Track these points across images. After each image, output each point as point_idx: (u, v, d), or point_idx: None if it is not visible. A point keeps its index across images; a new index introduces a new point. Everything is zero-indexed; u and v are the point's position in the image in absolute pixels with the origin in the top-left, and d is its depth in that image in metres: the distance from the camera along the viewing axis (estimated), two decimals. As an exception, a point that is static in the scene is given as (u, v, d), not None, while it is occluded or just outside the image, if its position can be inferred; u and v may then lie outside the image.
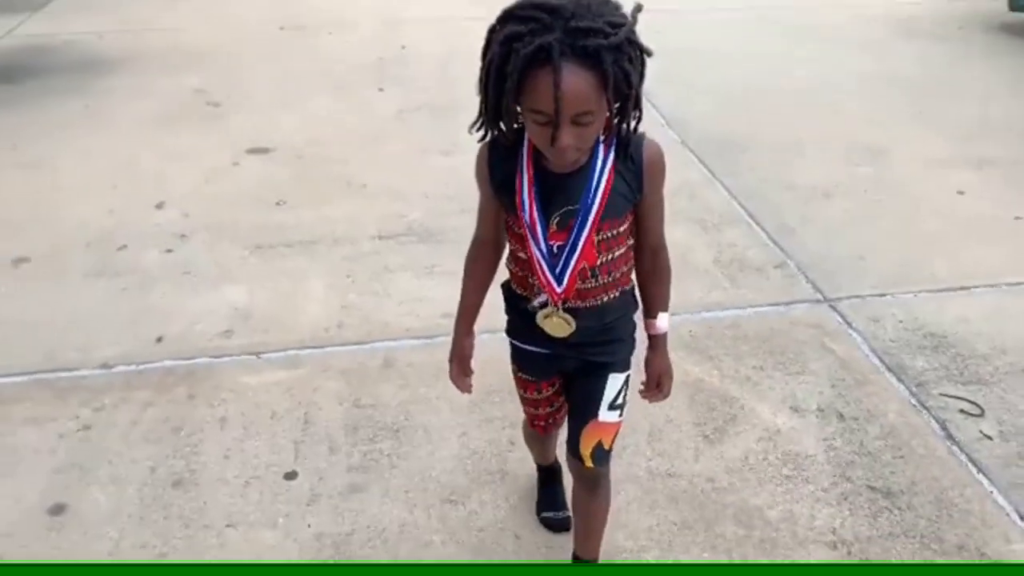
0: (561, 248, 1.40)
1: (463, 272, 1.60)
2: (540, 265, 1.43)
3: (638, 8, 1.29)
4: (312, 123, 4.37)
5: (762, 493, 2.11)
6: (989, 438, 2.28)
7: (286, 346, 2.65)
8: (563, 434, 1.70)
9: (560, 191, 1.38)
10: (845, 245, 3.22)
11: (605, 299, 1.48)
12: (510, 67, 1.20)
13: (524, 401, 1.72)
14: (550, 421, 1.75)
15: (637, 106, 1.31)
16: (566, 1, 1.20)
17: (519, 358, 1.63)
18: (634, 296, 1.57)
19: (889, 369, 2.54)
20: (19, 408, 2.39)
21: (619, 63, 1.20)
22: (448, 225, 3.29)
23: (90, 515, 2.04)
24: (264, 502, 2.08)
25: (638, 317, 1.58)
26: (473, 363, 1.65)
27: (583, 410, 1.58)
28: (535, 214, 1.39)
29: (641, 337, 1.60)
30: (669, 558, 1.92)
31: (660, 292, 1.55)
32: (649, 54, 1.27)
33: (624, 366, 1.57)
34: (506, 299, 1.59)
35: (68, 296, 2.93)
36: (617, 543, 1.95)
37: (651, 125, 4.02)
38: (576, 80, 1.18)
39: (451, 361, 1.65)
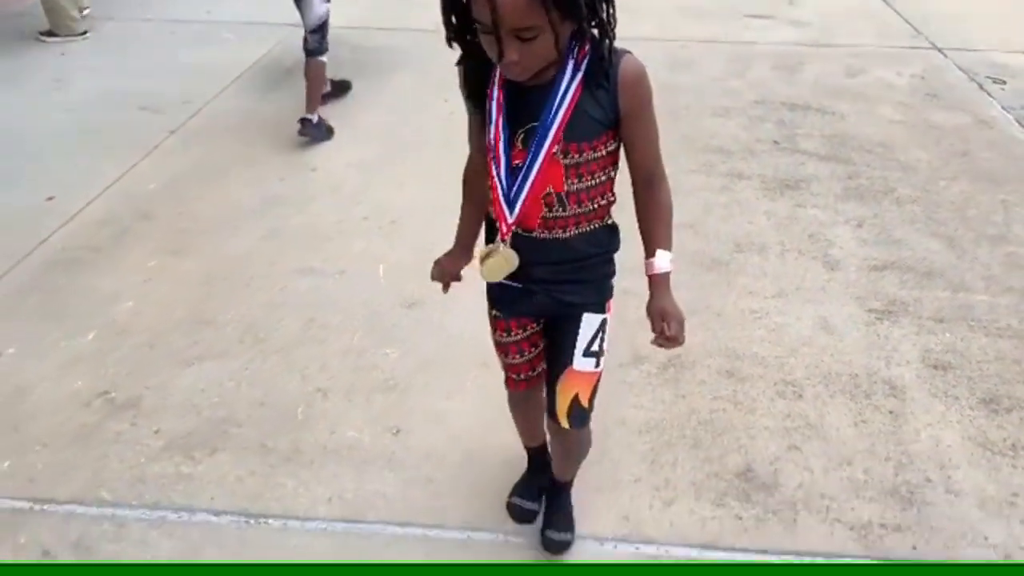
0: (519, 168, 1.35)
1: (461, 195, 1.60)
2: (497, 189, 1.38)
3: None
4: None
5: (857, 89, 4.32)
6: (1003, 90, 4.34)
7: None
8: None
9: (526, 106, 1.33)
10: (964, 33, 5.22)
11: (574, 231, 1.42)
12: None
13: (498, 348, 1.67)
14: (522, 376, 1.68)
15: (601, 25, 1.26)
16: None
17: (492, 292, 1.59)
18: (615, 235, 1.50)
19: (959, 68, 4.64)
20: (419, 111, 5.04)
21: None
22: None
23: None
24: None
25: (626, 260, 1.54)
26: None
27: (558, 357, 1.55)
28: (500, 128, 1.35)
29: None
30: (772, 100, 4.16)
31: (658, 230, 1.44)
32: None
33: (599, 308, 1.52)
34: (486, 227, 1.56)
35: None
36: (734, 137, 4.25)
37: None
38: None
39: (435, 264, 1.66)
